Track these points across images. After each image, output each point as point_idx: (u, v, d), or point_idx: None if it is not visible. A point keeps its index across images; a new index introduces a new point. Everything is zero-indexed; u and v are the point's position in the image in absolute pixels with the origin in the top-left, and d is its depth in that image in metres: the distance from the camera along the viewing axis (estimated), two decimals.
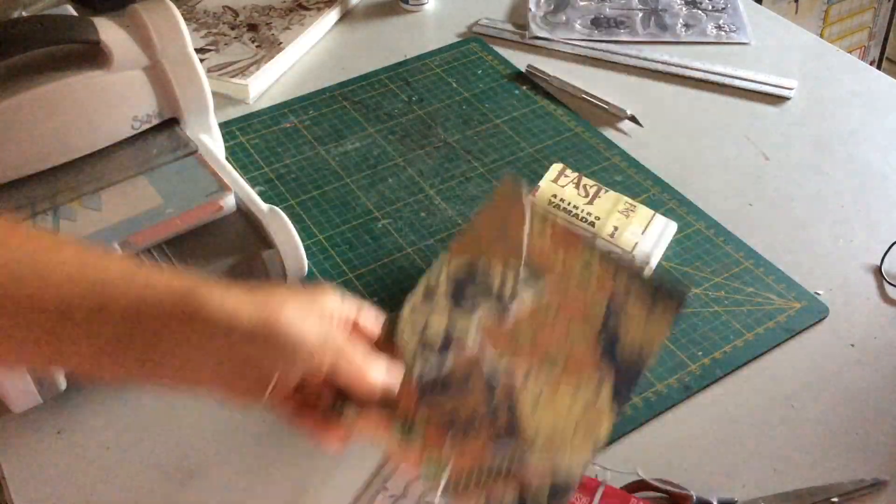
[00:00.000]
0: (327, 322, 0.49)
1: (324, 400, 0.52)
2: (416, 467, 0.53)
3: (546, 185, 0.80)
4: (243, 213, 0.72)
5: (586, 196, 0.79)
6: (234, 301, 0.46)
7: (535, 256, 0.60)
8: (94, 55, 0.71)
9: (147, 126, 0.74)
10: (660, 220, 0.79)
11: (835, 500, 0.60)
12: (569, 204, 0.78)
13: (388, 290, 0.76)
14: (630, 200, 0.79)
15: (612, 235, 0.76)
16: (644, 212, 0.79)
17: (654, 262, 0.76)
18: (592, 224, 0.77)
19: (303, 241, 0.72)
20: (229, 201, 0.71)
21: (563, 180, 0.80)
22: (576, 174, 0.81)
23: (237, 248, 0.70)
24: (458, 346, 0.57)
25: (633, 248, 0.76)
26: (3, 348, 0.44)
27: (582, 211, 0.78)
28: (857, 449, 0.64)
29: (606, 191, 0.80)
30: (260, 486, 0.63)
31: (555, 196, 0.79)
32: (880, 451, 0.64)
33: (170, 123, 0.76)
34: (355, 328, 0.53)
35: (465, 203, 0.85)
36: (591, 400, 0.54)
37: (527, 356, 0.56)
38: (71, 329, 0.44)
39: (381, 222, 0.83)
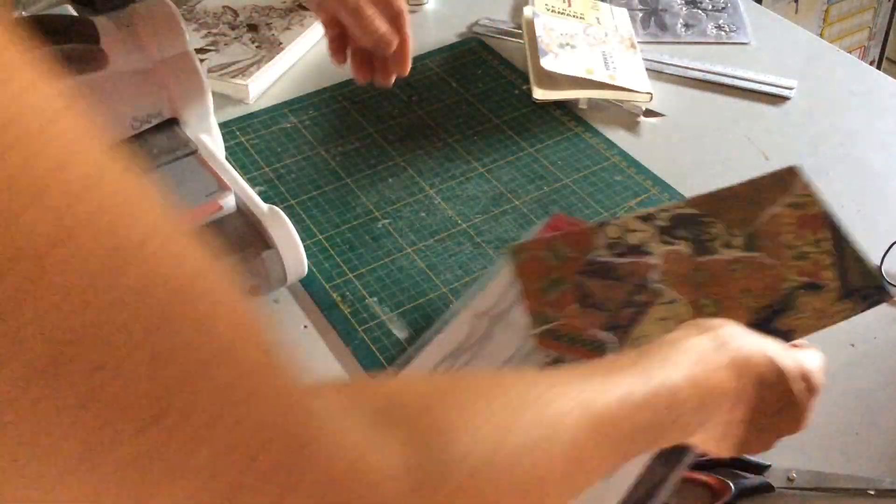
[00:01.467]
0: None
1: None
2: (532, 310, 0.62)
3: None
4: (243, 213, 0.72)
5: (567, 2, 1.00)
6: None
7: (765, 231, 0.64)
8: (93, 55, 0.71)
9: (147, 126, 0.74)
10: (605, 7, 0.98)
11: (871, 492, 0.60)
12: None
13: (388, 289, 0.76)
14: None
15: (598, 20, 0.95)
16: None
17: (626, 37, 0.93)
18: (582, 17, 0.98)
19: (303, 241, 0.72)
20: (229, 201, 0.71)
21: None
22: None
23: (237, 248, 0.70)
24: (639, 255, 0.63)
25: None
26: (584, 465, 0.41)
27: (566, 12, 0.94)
28: (857, 449, 0.64)
29: None
30: None
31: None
32: (880, 451, 0.64)
33: (169, 123, 0.76)
34: None
35: (465, 203, 0.85)
36: None
37: (687, 291, 0.61)
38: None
39: (381, 222, 0.83)
